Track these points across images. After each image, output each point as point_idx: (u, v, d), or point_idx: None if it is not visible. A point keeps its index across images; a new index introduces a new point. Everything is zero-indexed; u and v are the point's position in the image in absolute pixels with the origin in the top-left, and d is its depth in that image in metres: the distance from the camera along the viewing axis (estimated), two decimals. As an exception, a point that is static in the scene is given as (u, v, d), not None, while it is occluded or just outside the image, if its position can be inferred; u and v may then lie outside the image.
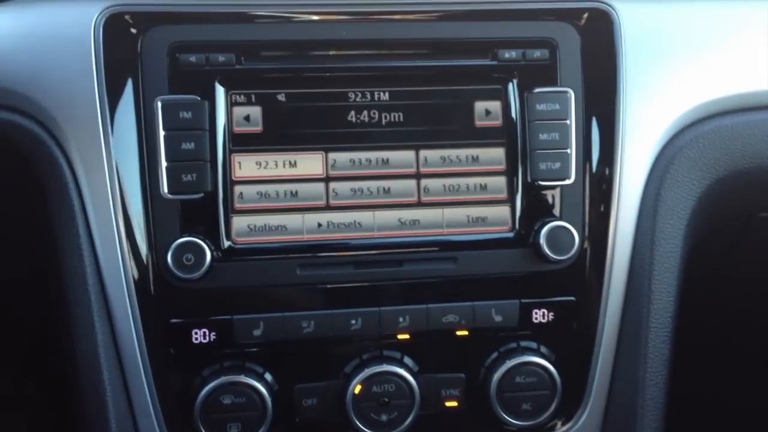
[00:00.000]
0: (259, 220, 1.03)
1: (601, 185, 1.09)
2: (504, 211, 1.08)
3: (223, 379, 1.01)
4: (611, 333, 1.11)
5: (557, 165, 1.07)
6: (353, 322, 1.05)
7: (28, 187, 1.02)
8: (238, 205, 1.03)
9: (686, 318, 1.15)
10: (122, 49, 1.01)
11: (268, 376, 1.04)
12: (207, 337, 1.02)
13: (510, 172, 1.07)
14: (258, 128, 1.04)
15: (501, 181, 1.08)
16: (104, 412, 1.02)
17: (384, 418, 1.05)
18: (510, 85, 1.08)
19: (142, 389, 1.02)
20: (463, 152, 1.07)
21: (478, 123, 1.08)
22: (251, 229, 1.03)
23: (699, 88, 1.14)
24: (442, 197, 1.07)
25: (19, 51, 1.02)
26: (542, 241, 1.05)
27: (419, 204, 1.06)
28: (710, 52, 1.16)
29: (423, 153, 1.06)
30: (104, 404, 1.02)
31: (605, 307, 1.10)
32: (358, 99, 1.06)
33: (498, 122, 1.08)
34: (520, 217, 1.07)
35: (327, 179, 1.05)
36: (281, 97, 1.04)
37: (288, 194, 1.04)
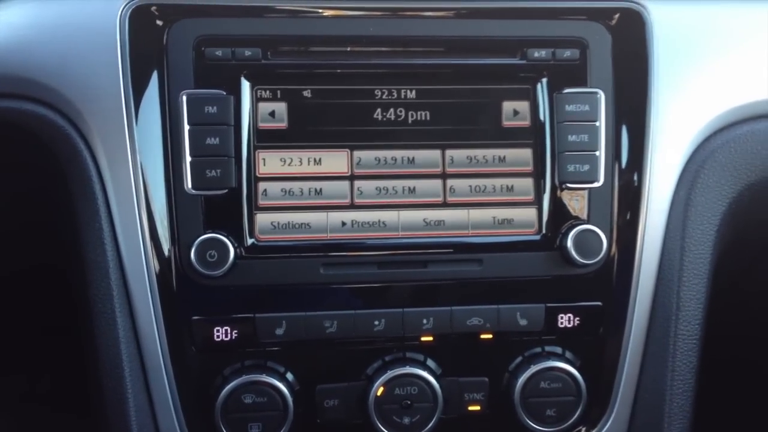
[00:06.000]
0: (283, 217, 1.02)
1: (630, 189, 1.07)
2: (531, 213, 1.06)
3: (244, 378, 1.01)
4: (638, 340, 1.09)
5: (586, 167, 1.06)
6: (376, 323, 1.03)
7: (52, 179, 1.02)
8: (261, 202, 1.02)
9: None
10: (148, 41, 1.00)
11: (289, 376, 1.03)
12: (229, 335, 1.01)
13: (537, 174, 1.06)
14: (283, 124, 1.03)
15: (528, 182, 1.06)
16: (124, 408, 1.01)
17: (406, 420, 1.04)
18: (539, 85, 1.06)
19: (162, 386, 1.02)
20: (490, 153, 1.06)
21: (506, 123, 1.06)
22: (275, 226, 1.02)
23: (731, 91, 1.12)
24: (467, 198, 1.05)
25: (45, 42, 1.01)
26: (569, 244, 1.03)
27: (445, 204, 1.05)
28: (743, 55, 1.14)
29: (449, 153, 1.05)
30: (125, 400, 1.01)
31: (632, 313, 1.08)
32: (384, 97, 1.04)
33: (526, 123, 1.06)
34: (547, 220, 1.06)
35: (352, 177, 1.04)
36: (307, 94, 1.03)
37: (312, 192, 1.03)
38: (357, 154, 1.04)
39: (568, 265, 1.05)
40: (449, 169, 1.05)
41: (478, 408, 1.07)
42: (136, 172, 0.99)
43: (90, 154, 1.00)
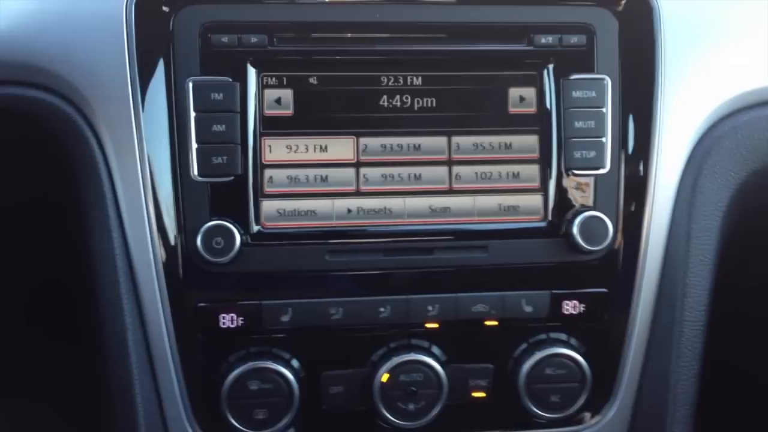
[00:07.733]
0: (289, 204, 1.02)
1: (636, 175, 1.07)
2: (536, 199, 1.06)
3: (250, 364, 1.01)
4: (643, 326, 1.09)
5: (592, 154, 1.05)
6: (382, 309, 1.03)
7: (58, 166, 1.02)
8: (267, 189, 1.02)
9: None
10: (154, 28, 1.00)
11: (294, 363, 1.04)
12: (235, 322, 1.01)
13: (543, 161, 1.06)
14: (289, 111, 1.03)
15: (534, 169, 1.06)
16: (131, 396, 1.01)
17: (411, 407, 1.04)
18: (545, 72, 1.06)
19: (168, 373, 1.02)
20: (496, 139, 1.05)
21: (512, 110, 1.06)
22: (281, 213, 1.02)
23: (738, 78, 1.12)
24: (473, 185, 1.05)
25: (51, 29, 1.01)
26: (575, 231, 1.03)
27: (450, 191, 1.05)
28: (750, 41, 1.13)
29: (455, 139, 1.05)
30: (131, 388, 1.01)
31: (638, 300, 1.08)
32: (390, 83, 1.04)
33: (532, 109, 1.06)
34: (553, 207, 1.06)
35: (358, 164, 1.03)
36: (313, 80, 1.03)
37: (318, 179, 1.03)
38: (363, 141, 1.03)
39: (574, 252, 1.05)
40: (455, 156, 1.05)
41: (482, 395, 1.08)
42: (143, 159, 0.99)
43: (96, 141, 1.00)
